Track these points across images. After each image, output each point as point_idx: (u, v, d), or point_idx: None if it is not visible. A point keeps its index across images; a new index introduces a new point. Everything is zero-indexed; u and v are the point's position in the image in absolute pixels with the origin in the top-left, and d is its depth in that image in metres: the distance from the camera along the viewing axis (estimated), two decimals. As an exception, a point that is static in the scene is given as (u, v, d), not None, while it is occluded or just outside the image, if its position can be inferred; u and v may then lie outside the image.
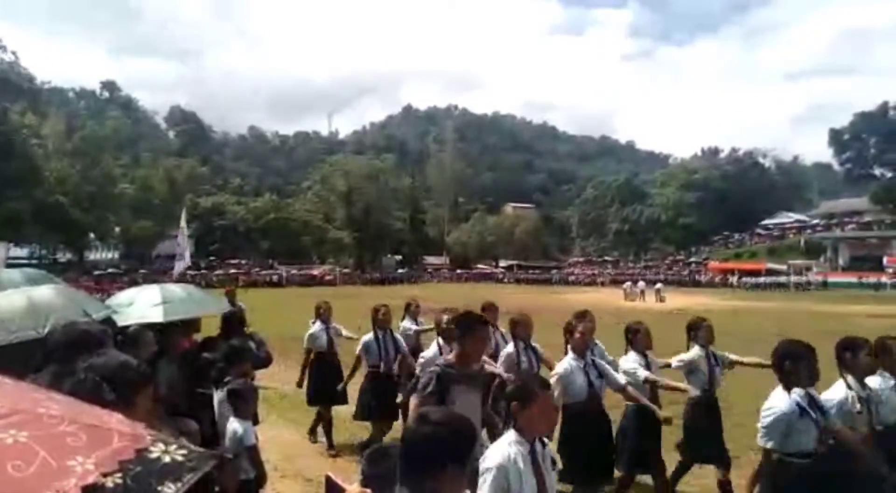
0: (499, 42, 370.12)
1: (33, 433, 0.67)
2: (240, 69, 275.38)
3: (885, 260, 52.58)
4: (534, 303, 32.93)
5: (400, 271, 70.37)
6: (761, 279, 54.76)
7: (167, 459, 0.74)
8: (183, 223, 13.41)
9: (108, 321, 3.50)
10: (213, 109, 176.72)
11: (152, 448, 0.74)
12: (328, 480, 2.33)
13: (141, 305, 4.98)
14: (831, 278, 52.40)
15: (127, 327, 4.49)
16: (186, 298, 5.30)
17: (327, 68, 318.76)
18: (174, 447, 0.77)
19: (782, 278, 54.03)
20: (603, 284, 59.50)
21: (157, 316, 4.74)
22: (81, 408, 0.81)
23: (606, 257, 77.58)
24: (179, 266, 13.47)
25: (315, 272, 61.71)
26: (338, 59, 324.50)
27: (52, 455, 0.66)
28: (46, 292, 3.22)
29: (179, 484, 0.72)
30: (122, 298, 5.39)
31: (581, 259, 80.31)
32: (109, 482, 0.68)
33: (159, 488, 0.71)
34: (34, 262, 49.92)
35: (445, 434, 1.76)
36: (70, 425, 0.70)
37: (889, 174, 71.07)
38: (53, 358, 1.94)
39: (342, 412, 8.59)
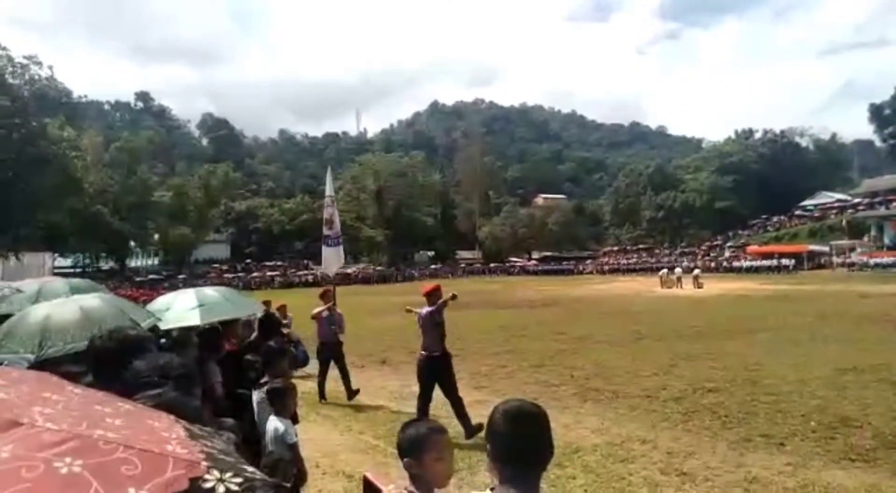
0: (523, 32, 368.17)
1: (88, 462, 0.66)
2: (265, 72, 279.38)
3: (932, 237, 50.79)
4: (574, 294, 32.76)
5: (433, 266, 70.59)
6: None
7: (221, 489, 0.72)
8: (329, 191, 10.04)
9: (153, 328, 3.63)
10: (240, 114, 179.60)
11: (207, 476, 0.73)
12: (365, 480, 2.39)
13: (178, 309, 5.12)
14: (876, 259, 50.72)
15: (169, 331, 4.64)
16: (222, 300, 5.42)
17: (351, 68, 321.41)
18: (229, 473, 0.75)
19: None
20: (636, 271, 58.82)
21: (194, 319, 4.87)
22: (140, 425, 0.80)
23: (641, 246, 76.46)
24: (334, 255, 9.86)
25: (350, 271, 62.25)
26: (361, 58, 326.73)
27: (105, 486, 0.65)
28: (96, 302, 3.35)
29: None
30: (159, 303, 5.55)
31: (615, 248, 79.30)
32: None
33: None
34: (78, 271, 51.52)
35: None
36: (125, 451, 0.70)
37: (935, 148, 68.50)
38: (99, 364, 2.04)
39: (382, 404, 8.71)
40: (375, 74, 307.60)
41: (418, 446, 2.12)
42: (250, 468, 0.82)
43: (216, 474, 0.73)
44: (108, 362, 1.99)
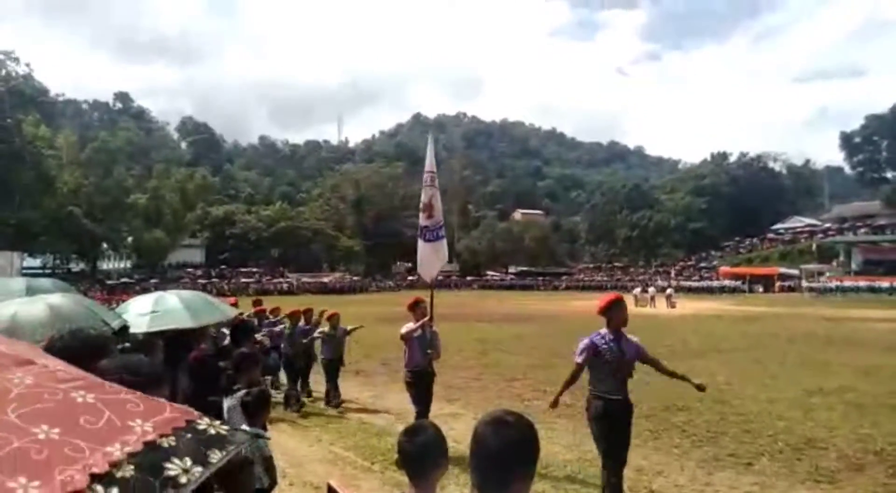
0: (507, 47, 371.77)
1: (99, 396, 0.76)
2: (248, 76, 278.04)
3: (899, 264, 51.97)
4: (550, 310, 32.91)
5: (411, 278, 70.40)
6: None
7: (213, 431, 0.83)
8: (430, 164, 7.40)
9: (123, 330, 3.57)
10: (221, 117, 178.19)
11: (200, 421, 0.84)
12: (329, 489, 2.36)
13: (132, 313, 5.03)
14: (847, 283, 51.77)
15: (135, 335, 4.57)
16: (179, 309, 5.27)
17: (335, 77, 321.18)
18: (218, 422, 0.87)
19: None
20: (610, 289, 59.30)
21: (142, 326, 4.77)
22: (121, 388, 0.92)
23: (616, 263, 77.21)
24: (435, 252, 7.35)
25: (326, 280, 61.89)
26: (345, 67, 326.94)
27: (116, 416, 0.75)
28: (64, 301, 3.29)
29: (224, 453, 0.81)
30: (121, 306, 5.50)
31: (590, 265, 79.95)
32: (165, 443, 0.76)
33: (207, 453, 0.80)
34: (47, 272, 50.41)
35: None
36: (128, 393, 0.81)
37: (901, 177, 70.46)
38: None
39: (354, 415, 8.63)
40: (359, 85, 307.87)
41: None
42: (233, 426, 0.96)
43: (207, 420, 0.85)
44: (71, 363, 1.94)
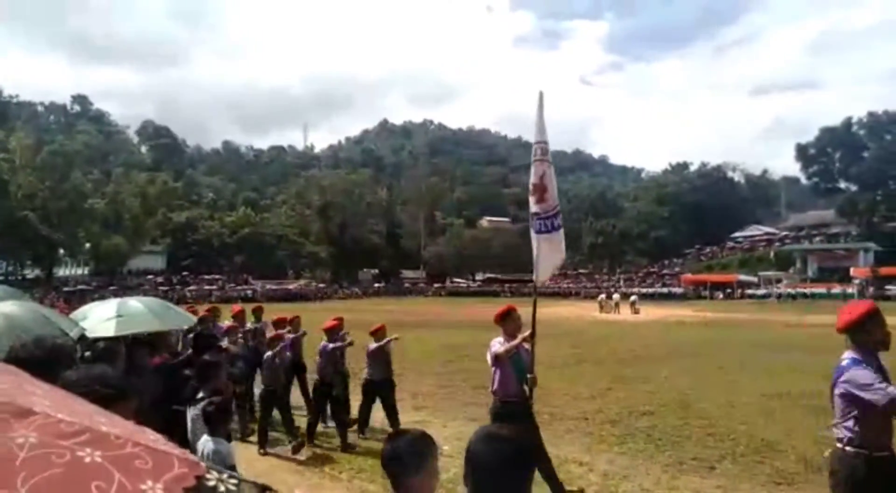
0: (474, 56, 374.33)
1: (106, 454, 0.70)
2: (212, 80, 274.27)
3: (851, 271, 53.77)
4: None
5: (377, 284, 70.14)
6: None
7: (222, 488, 0.78)
8: (540, 135, 5.75)
9: (82, 338, 3.46)
10: (184, 122, 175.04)
11: (208, 476, 0.78)
12: None
13: (94, 319, 4.91)
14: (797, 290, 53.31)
15: (95, 342, 4.44)
16: (144, 312, 5.21)
17: (301, 81, 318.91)
18: (226, 475, 0.82)
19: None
20: (576, 295, 60.03)
21: (108, 331, 4.67)
22: (128, 427, 0.84)
23: (581, 270, 78.10)
24: (551, 247, 5.58)
25: (291, 287, 61.20)
26: (312, 72, 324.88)
27: (127, 478, 0.69)
28: (18, 309, 3.17)
29: None
30: (79, 312, 5.35)
31: (556, 272, 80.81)
32: None
33: None
34: (0, 278, 48.73)
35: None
36: (134, 446, 0.74)
37: (854, 188, 72.82)
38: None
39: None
40: (325, 91, 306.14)
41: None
42: (241, 476, 0.88)
43: (215, 474, 0.79)
44: (34, 374, 1.85)
